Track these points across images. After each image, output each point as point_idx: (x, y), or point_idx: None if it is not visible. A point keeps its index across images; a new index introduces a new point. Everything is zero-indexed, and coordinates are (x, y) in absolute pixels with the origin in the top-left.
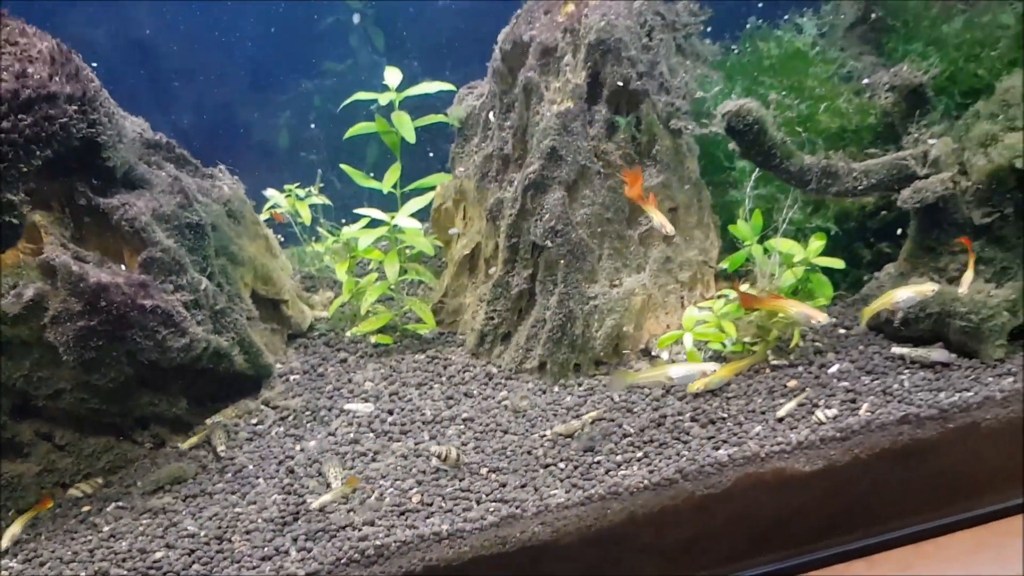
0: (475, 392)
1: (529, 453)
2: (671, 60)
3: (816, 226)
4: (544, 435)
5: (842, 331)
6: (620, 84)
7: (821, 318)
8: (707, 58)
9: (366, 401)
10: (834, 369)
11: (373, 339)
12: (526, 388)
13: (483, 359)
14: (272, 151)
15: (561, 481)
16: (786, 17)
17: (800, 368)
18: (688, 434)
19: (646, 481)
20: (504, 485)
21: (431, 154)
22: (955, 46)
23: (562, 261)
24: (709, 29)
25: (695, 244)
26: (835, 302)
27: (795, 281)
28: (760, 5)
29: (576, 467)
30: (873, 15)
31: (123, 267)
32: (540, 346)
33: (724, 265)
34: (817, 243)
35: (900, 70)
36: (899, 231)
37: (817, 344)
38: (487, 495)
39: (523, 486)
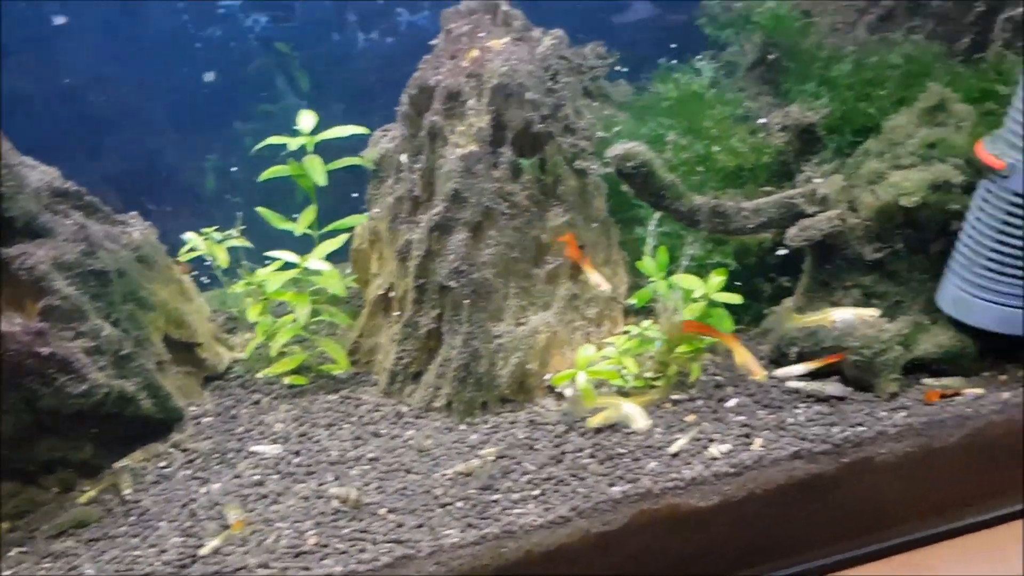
0: (383, 432)
1: (428, 493)
2: (577, 102)
3: (717, 262)
4: (445, 474)
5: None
6: (523, 127)
7: (759, 375)
8: (615, 99)
9: (275, 443)
10: (732, 403)
11: (287, 380)
12: (432, 427)
13: (394, 398)
14: (200, 194)
15: (457, 520)
16: (699, 57)
17: (700, 402)
18: (586, 471)
19: (541, 519)
20: (401, 525)
21: (355, 195)
22: (846, 86)
23: (467, 301)
24: (626, 70)
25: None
26: (737, 335)
27: (697, 316)
28: (673, 46)
29: (474, 506)
30: (770, 56)
31: (20, 317)
32: (447, 385)
33: (632, 301)
34: (717, 279)
35: (791, 110)
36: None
37: (717, 378)
38: (383, 536)
39: (419, 526)
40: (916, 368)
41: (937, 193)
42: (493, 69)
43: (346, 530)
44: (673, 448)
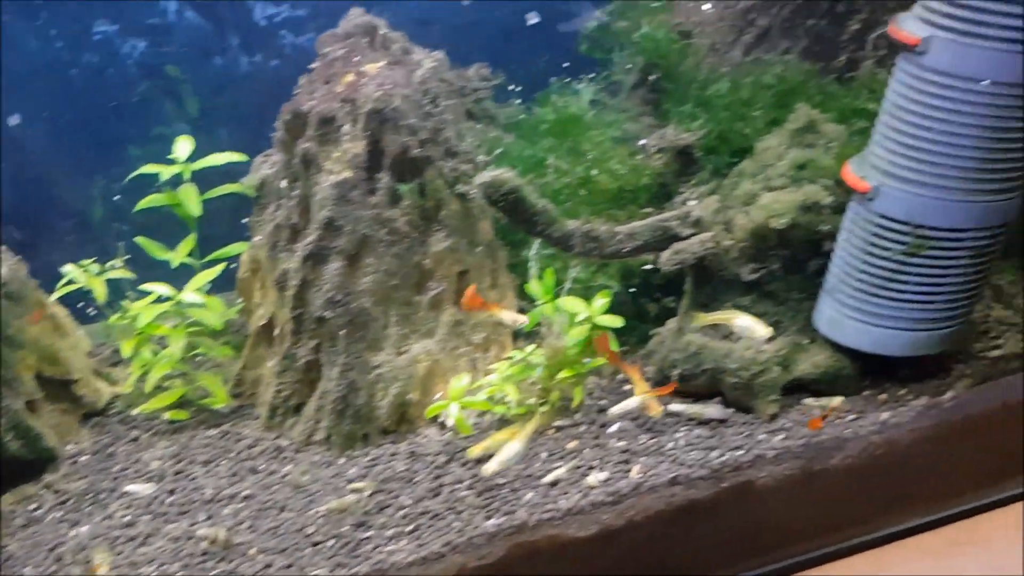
0: (261, 467)
1: (301, 531)
2: (460, 125)
3: (601, 284)
4: (319, 511)
5: (628, 387)
6: (401, 152)
7: (655, 412)
8: (500, 121)
9: (149, 481)
10: (614, 428)
11: (167, 415)
12: (312, 461)
13: (275, 432)
14: (87, 224)
15: (327, 560)
16: (592, 76)
17: (583, 427)
18: (463, 503)
19: (413, 556)
20: (269, 566)
21: (245, 220)
22: (723, 107)
23: (343, 332)
24: (519, 88)
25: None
26: (624, 357)
27: (583, 339)
28: (566, 65)
29: (345, 544)
30: (651, 77)
31: None
32: (326, 418)
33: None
34: (601, 301)
35: (666, 132)
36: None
37: (602, 402)
38: None
39: (288, 566)
40: (796, 388)
41: (808, 214)
42: (368, 94)
43: (213, 572)
44: (550, 478)
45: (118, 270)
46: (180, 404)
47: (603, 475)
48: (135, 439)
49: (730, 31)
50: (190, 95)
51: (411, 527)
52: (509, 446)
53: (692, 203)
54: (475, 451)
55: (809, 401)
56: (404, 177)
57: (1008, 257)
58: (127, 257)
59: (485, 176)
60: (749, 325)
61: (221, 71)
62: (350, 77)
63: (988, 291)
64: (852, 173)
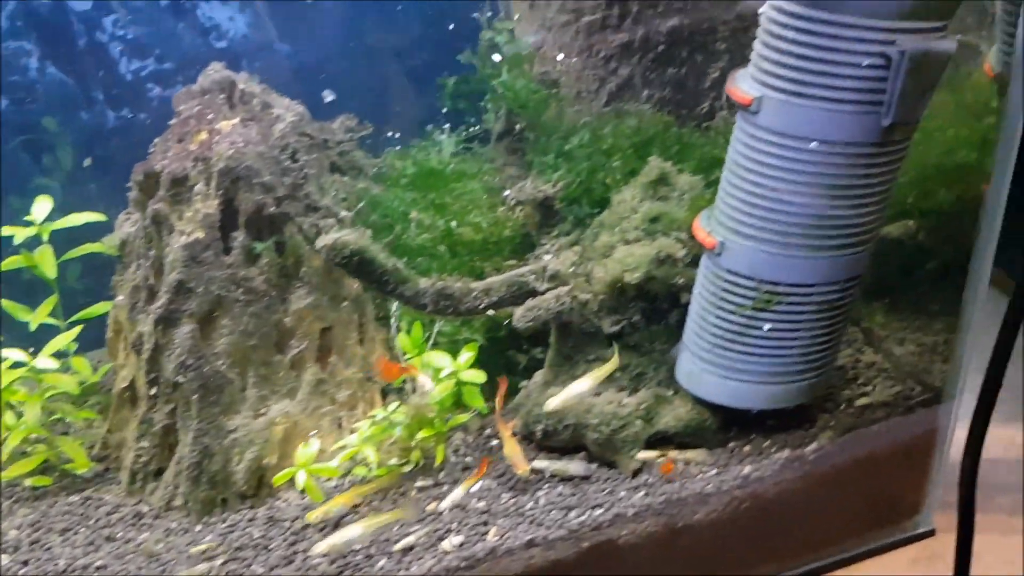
0: (119, 535)
1: None
2: (322, 179)
3: (466, 338)
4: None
5: (495, 443)
6: (256, 210)
7: (522, 470)
8: (368, 173)
9: (4, 552)
10: (476, 487)
11: (29, 482)
12: (166, 529)
13: (137, 498)
14: None
15: None
16: (459, 126)
17: (445, 487)
18: (315, 570)
19: None
20: None
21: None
22: (584, 157)
23: (195, 396)
24: (398, 135)
25: (355, 362)
26: (493, 411)
27: (448, 395)
28: (444, 111)
29: None
30: (517, 126)
31: None
32: (183, 483)
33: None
34: (466, 355)
35: (525, 185)
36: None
37: (467, 459)
38: None
39: None
40: (661, 442)
41: (663, 267)
42: (220, 152)
43: None
44: (403, 543)
45: None
46: (44, 470)
47: (458, 539)
48: None
49: (594, 80)
50: (57, 151)
51: None
52: (348, 530)
53: (547, 257)
54: (313, 516)
55: (674, 454)
56: (261, 235)
57: (879, 298)
58: None
59: (327, 239)
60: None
61: (88, 126)
62: (203, 135)
63: (858, 335)
64: (700, 228)
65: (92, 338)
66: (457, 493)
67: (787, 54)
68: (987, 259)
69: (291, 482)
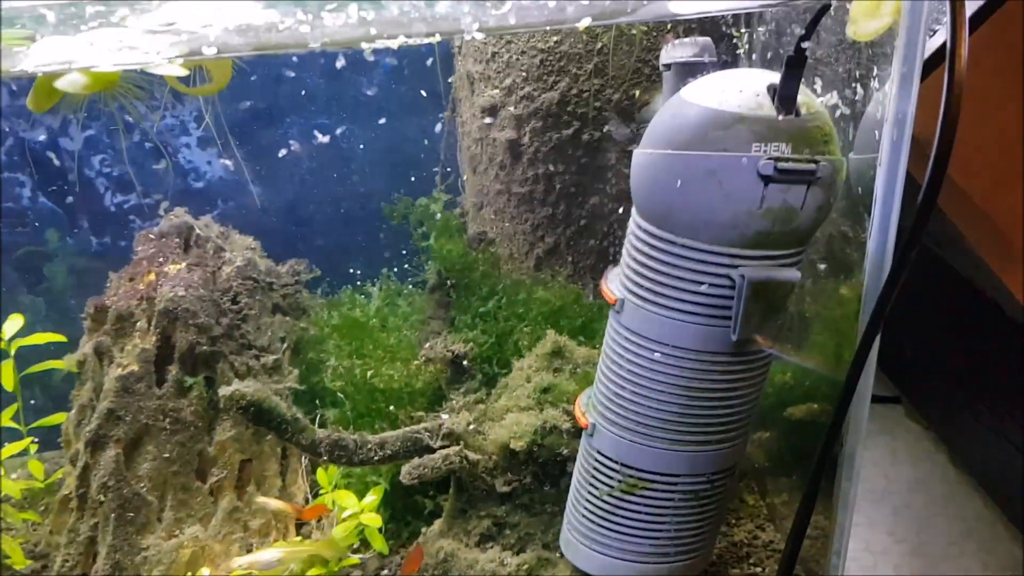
0: None
1: None
2: (262, 319)
3: (373, 480)
4: None
5: None
6: (188, 348)
7: None
8: (310, 312)
9: None
10: None
11: None
12: None
13: None
14: None
15: None
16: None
17: None
18: None
19: None
20: None
21: None
22: (502, 319)
23: (113, 514)
24: (357, 272)
25: (272, 492)
26: (397, 551)
27: (349, 534)
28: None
29: None
30: (447, 283)
31: None
32: None
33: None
34: (371, 498)
35: (435, 343)
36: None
37: None
38: None
39: None
40: None
41: (550, 436)
42: (163, 294)
43: None
44: None
45: None
46: None
47: None
48: None
49: (524, 244)
50: (43, 270)
51: None
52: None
53: (444, 416)
54: None
55: None
56: (195, 370)
57: (788, 474)
58: None
59: (227, 390)
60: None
61: (73, 250)
62: (151, 276)
63: (763, 511)
64: (579, 406)
65: None
66: None
67: (643, 266)
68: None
69: None
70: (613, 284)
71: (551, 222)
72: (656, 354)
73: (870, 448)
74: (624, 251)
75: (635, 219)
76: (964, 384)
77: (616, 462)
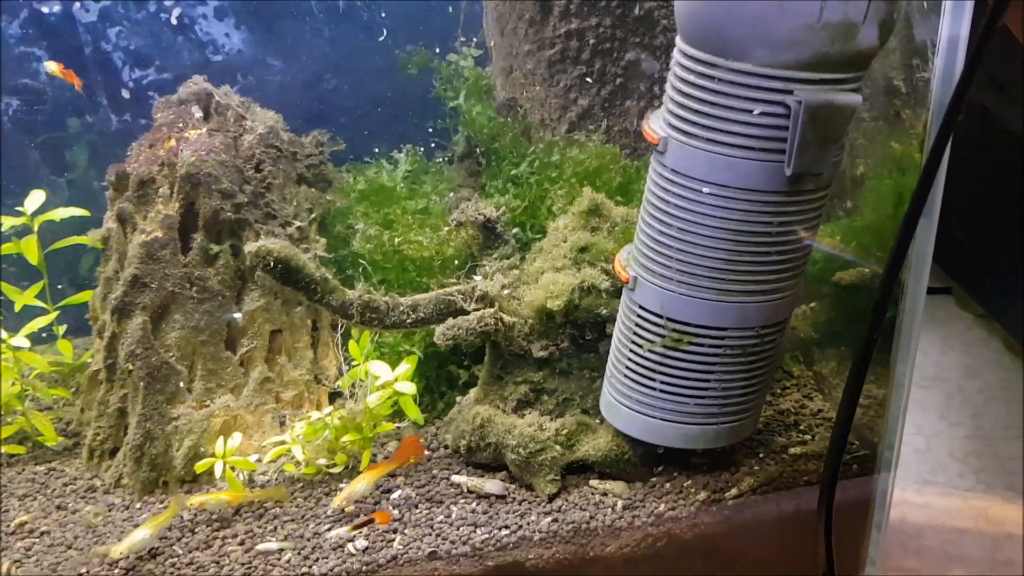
0: (68, 505)
1: (75, 570)
2: (287, 189)
3: (406, 349)
4: (96, 553)
5: (426, 453)
6: (213, 214)
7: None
8: (335, 184)
9: None
10: (396, 495)
11: (3, 449)
12: (108, 504)
13: (92, 472)
14: None
15: None
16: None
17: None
18: (228, 558)
19: None
20: None
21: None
22: (533, 183)
23: (142, 383)
24: (376, 150)
25: (304, 364)
26: (432, 422)
27: (383, 403)
28: (433, 130)
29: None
30: (476, 150)
31: None
32: (128, 463)
33: (338, 384)
34: (404, 367)
35: (466, 207)
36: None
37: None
38: None
39: None
40: (583, 469)
41: (588, 297)
42: (184, 159)
43: None
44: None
45: None
46: (20, 440)
47: (364, 543)
48: None
49: (556, 108)
50: (64, 150)
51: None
52: (137, 532)
53: (477, 278)
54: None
55: (594, 483)
56: (219, 238)
57: (836, 344)
58: None
59: (252, 246)
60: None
61: (92, 129)
62: (171, 142)
63: (810, 380)
64: (619, 261)
65: None
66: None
67: (688, 97)
68: (917, 313)
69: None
70: (655, 124)
71: (584, 82)
72: (705, 191)
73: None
74: (667, 86)
75: (679, 46)
76: (1021, 270)
77: (660, 316)
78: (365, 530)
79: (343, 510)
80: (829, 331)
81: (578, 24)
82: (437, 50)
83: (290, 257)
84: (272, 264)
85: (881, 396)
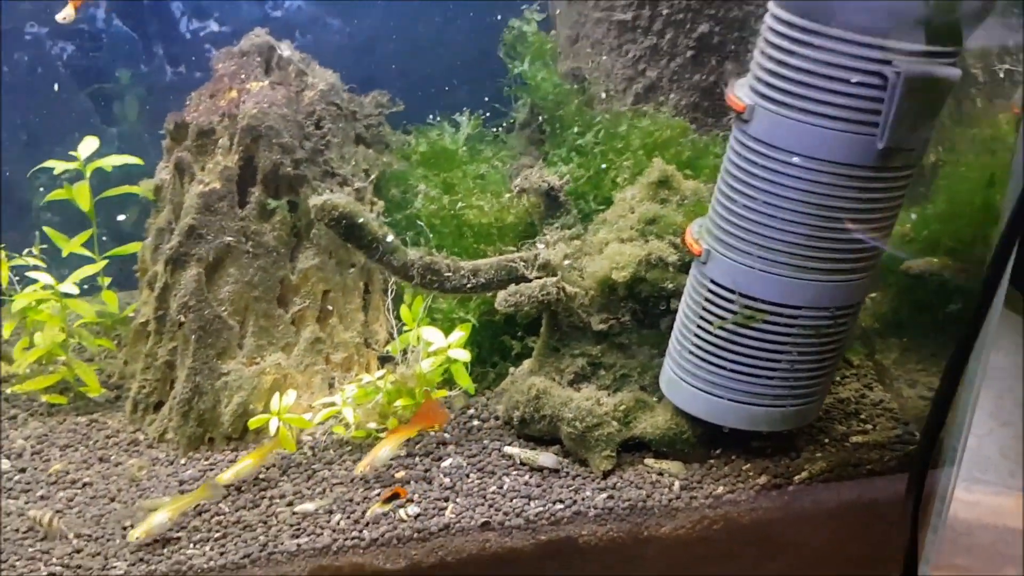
0: (111, 457)
1: (120, 523)
2: (344, 148)
3: (460, 316)
4: (141, 506)
5: (476, 423)
6: (272, 169)
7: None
8: (393, 147)
9: (7, 458)
10: (447, 463)
11: (46, 398)
12: (152, 458)
13: (136, 426)
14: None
15: (132, 553)
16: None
17: (416, 459)
18: (275, 518)
19: (211, 563)
20: (79, 551)
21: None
22: (598, 153)
23: (194, 336)
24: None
25: (355, 327)
26: (483, 392)
27: (436, 369)
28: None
29: (154, 541)
30: (539, 118)
31: None
32: (174, 418)
33: (388, 348)
34: (458, 334)
35: (530, 174)
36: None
37: (445, 435)
38: (57, 559)
39: (96, 554)
40: (638, 447)
41: (654, 270)
42: (246, 111)
43: (30, 550)
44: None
45: (25, 257)
46: (62, 390)
47: (414, 509)
48: (13, 417)
49: (622, 80)
50: (116, 99)
51: (220, 534)
52: (156, 516)
53: (540, 247)
54: (224, 476)
55: (650, 462)
56: (277, 193)
57: (898, 334)
58: (43, 247)
59: (316, 199)
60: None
61: (146, 79)
62: (233, 93)
63: (871, 369)
64: (691, 234)
65: None
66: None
67: (780, 63)
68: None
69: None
70: (740, 91)
71: (654, 53)
72: (793, 161)
73: None
74: (756, 52)
75: (773, 10)
76: None
77: (731, 291)
78: (415, 495)
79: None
80: (892, 321)
81: None
82: (499, 16)
83: (356, 213)
84: (337, 219)
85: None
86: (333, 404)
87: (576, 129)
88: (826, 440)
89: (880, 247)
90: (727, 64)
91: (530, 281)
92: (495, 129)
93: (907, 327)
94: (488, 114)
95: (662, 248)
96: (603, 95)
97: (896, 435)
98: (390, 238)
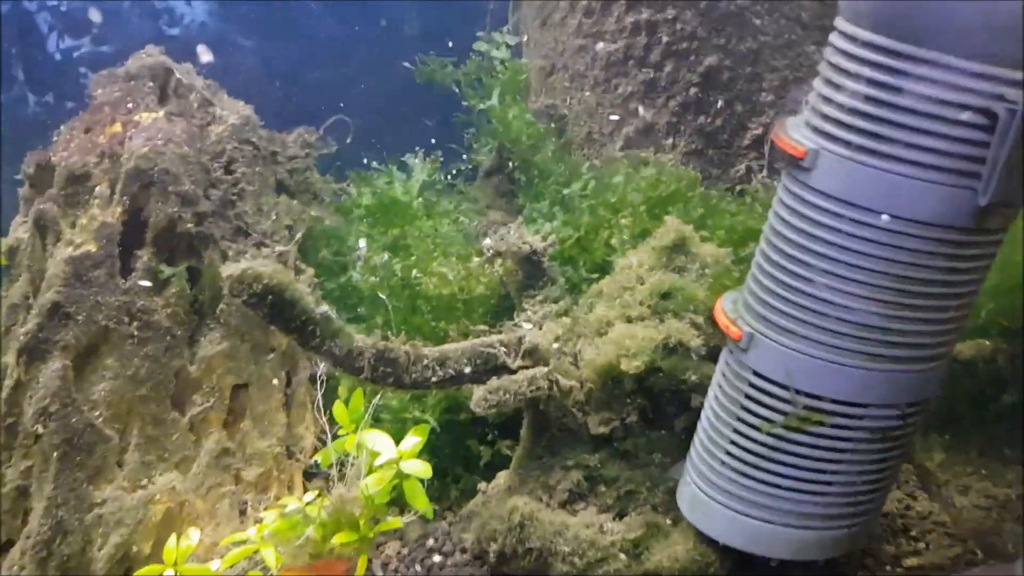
0: None
1: None
2: (264, 198)
3: (416, 417)
4: None
5: (437, 559)
6: (168, 225)
7: None
8: (323, 197)
9: None
10: None
11: None
12: None
13: None
14: None
15: None
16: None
17: None
18: None
19: None
20: None
21: None
22: (587, 209)
23: (56, 453)
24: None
25: (274, 431)
26: (443, 515)
27: (384, 489)
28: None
29: None
30: (510, 164)
31: None
32: (30, 564)
33: (317, 459)
34: (413, 440)
35: (507, 235)
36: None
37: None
38: None
39: None
40: None
41: (671, 357)
42: (133, 149)
43: None
44: None
45: None
46: None
47: None
48: None
49: (609, 121)
50: None
51: None
52: None
53: (526, 327)
54: None
55: None
56: (173, 258)
57: (940, 431)
58: None
59: (234, 267)
60: None
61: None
62: (116, 127)
63: (912, 476)
64: (724, 313)
65: None
66: None
67: (857, 97)
68: None
69: None
70: (795, 133)
71: (650, 90)
72: (865, 229)
73: None
74: (819, 84)
75: (842, 28)
76: None
77: (783, 386)
78: None
79: None
80: (935, 415)
81: (650, 15)
82: (450, 44)
83: (284, 287)
84: (260, 294)
85: (1003, 497)
86: (246, 541)
87: (559, 179)
88: (876, 566)
89: (959, 330)
90: (737, 105)
91: (513, 372)
92: (447, 176)
93: (953, 422)
94: (442, 157)
95: (682, 330)
96: (585, 137)
97: (955, 554)
98: (331, 318)
